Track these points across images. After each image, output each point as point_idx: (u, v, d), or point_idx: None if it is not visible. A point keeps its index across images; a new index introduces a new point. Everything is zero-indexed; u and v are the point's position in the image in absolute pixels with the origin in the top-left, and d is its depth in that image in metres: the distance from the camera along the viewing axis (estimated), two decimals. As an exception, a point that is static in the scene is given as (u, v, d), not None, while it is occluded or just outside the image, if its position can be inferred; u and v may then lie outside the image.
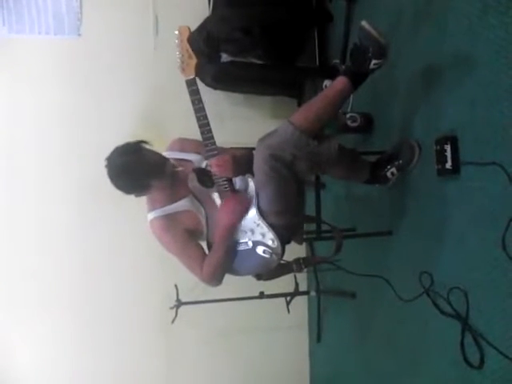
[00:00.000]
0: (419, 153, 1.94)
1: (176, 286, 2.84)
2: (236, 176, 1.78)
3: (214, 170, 1.75)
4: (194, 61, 1.70)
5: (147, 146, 1.85)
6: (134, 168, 1.77)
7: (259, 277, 1.92)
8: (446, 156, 1.69)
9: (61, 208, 3.16)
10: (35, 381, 3.14)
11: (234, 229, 1.77)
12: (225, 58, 2.88)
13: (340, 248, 1.84)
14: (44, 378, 3.14)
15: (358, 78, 1.74)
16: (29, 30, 3.23)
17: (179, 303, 2.86)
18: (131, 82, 3.28)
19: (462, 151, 1.66)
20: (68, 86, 3.21)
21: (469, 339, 1.59)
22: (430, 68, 1.89)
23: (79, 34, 3.26)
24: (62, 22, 3.24)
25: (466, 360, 1.60)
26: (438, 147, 1.73)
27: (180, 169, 1.90)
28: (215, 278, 1.84)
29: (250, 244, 1.76)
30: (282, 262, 1.82)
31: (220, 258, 1.79)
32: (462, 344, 1.62)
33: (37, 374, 3.13)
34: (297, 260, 1.87)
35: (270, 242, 1.72)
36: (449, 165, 1.69)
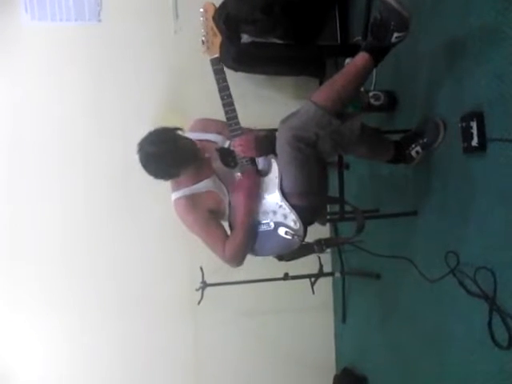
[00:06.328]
0: (444, 130, 1.90)
1: (201, 267, 2.87)
2: (259, 156, 1.77)
3: (236, 149, 1.75)
4: (218, 39, 1.67)
5: (182, 134, 1.86)
6: (169, 158, 1.79)
7: (281, 258, 1.91)
8: (471, 133, 1.64)
9: (87, 193, 3.20)
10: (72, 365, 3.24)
11: (252, 209, 1.77)
12: (245, 38, 2.84)
13: (362, 229, 1.81)
14: (77, 360, 3.23)
15: (379, 52, 1.70)
16: (50, 17, 3.26)
17: (204, 285, 2.88)
18: (153, 65, 3.28)
19: (489, 128, 1.61)
20: (90, 72, 3.23)
21: (497, 320, 1.56)
22: (455, 42, 1.83)
23: (99, 20, 3.26)
24: (82, 9, 3.25)
25: (493, 340, 1.58)
26: (464, 124, 1.68)
27: (207, 155, 1.91)
28: (237, 259, 1.85)
29: (272, 225, 1.76)
30: (304, 242, 1.80)
31: (241, 239, 1.80)
32: (489, 324, 1.59)
33: (70, 358, 3.23)
34: (318, 241, 1.85)
35: (291, 224, 1.72)
36: (475, 142, 1.64)
